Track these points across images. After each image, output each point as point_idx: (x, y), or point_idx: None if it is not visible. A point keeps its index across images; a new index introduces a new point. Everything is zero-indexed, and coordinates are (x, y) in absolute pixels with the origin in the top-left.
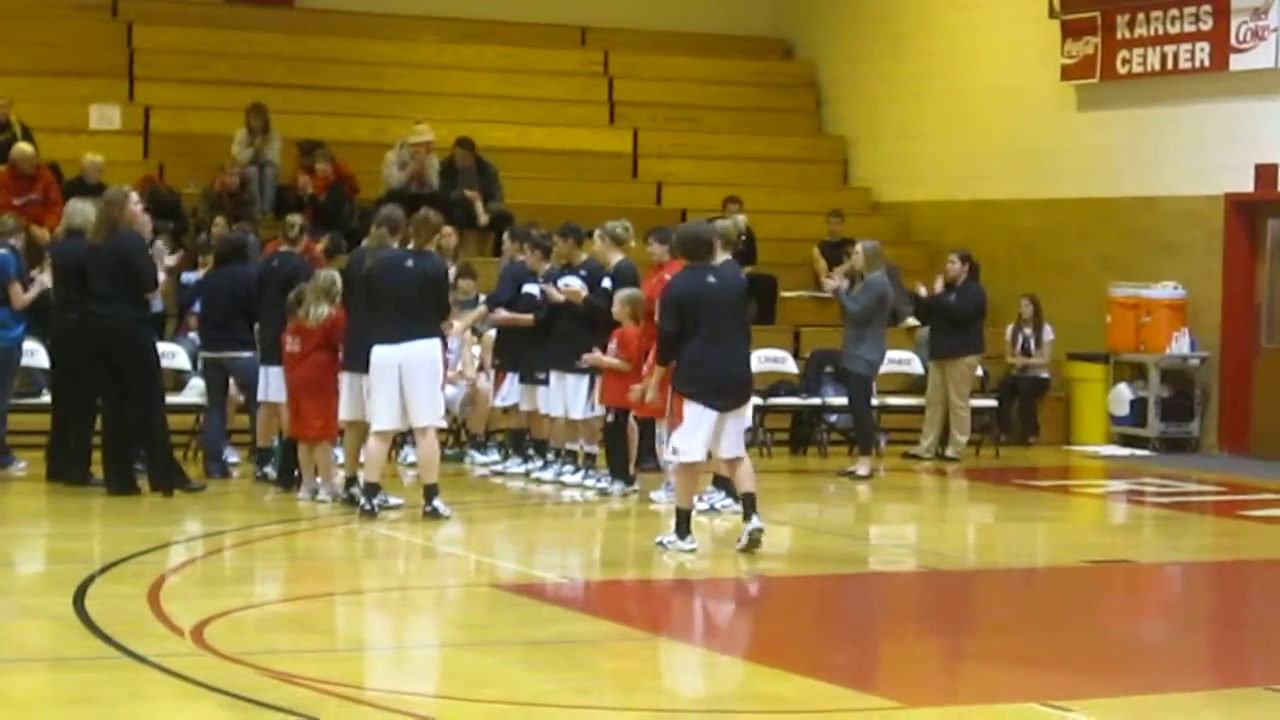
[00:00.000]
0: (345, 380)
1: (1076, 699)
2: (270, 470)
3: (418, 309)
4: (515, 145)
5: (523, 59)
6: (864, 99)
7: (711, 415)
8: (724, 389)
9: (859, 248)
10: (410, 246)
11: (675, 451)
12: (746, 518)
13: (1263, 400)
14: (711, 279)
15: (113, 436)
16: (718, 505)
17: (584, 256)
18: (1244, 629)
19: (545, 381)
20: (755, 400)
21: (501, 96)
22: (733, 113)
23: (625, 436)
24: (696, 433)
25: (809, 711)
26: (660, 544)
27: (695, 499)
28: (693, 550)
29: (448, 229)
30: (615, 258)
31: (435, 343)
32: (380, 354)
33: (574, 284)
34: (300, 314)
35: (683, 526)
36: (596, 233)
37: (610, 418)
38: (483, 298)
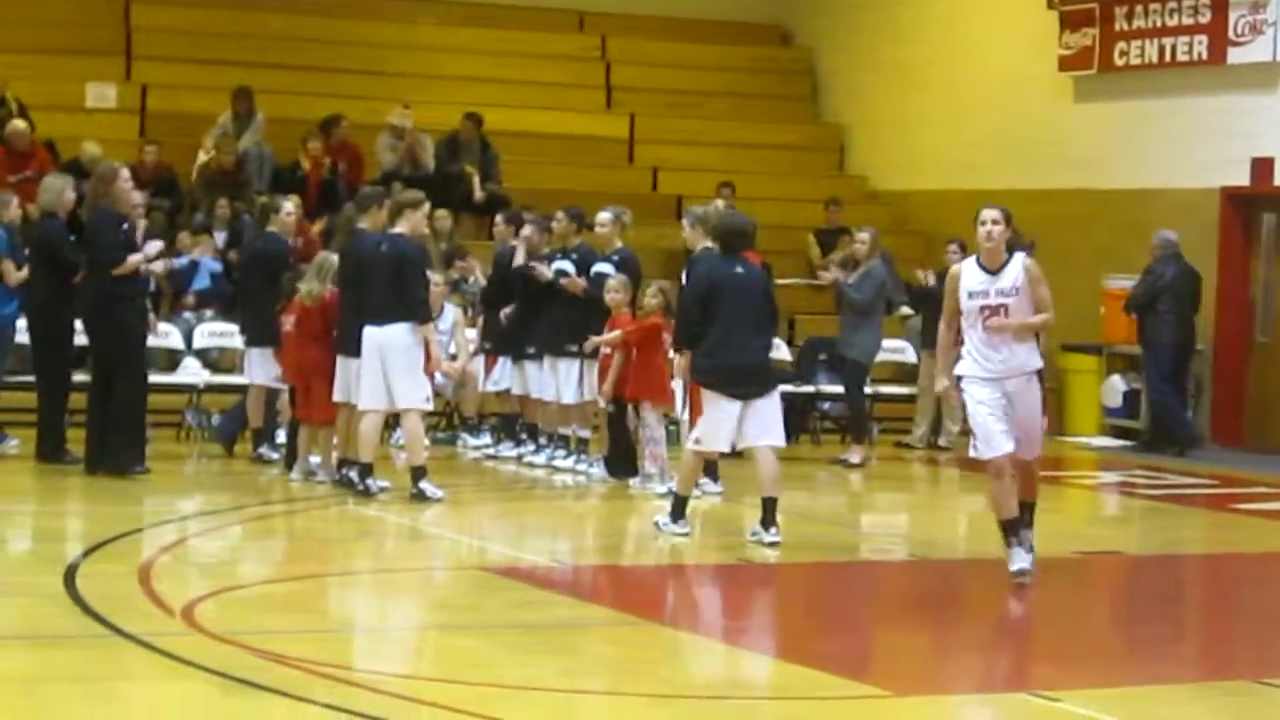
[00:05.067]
0: (338, 363)
1: (1065, 689)
2: (267, 451)
3: (393, 292)
4: (512, 129)
5: (521, 43)
6: (861, 87)
7: (732, 405)
8: (739, 377)
9: (863, 235)
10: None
11: (697, 441)
12: (766, 525)
13: (1256, 394)
14: (739, 269)
15: (89, 414)
16: (702, 488)
17: (577, 241)
18: (1234, 622)
19: (536, 358)
20: None
21: (499, 80)
22: (730, 99)
23: (625, 428)
24: (717, 423)
25: (799, 699)
26: (656, 524)
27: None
28: (686, 534)
29: (442, 211)
30: (618, 244)
31: (412, 325)
32: (367, 335)
33: (567, 268)
34: (300, 295)
35: (679, 510)
36: (607, 216)
37: (611, 409)
38: (473, 280)
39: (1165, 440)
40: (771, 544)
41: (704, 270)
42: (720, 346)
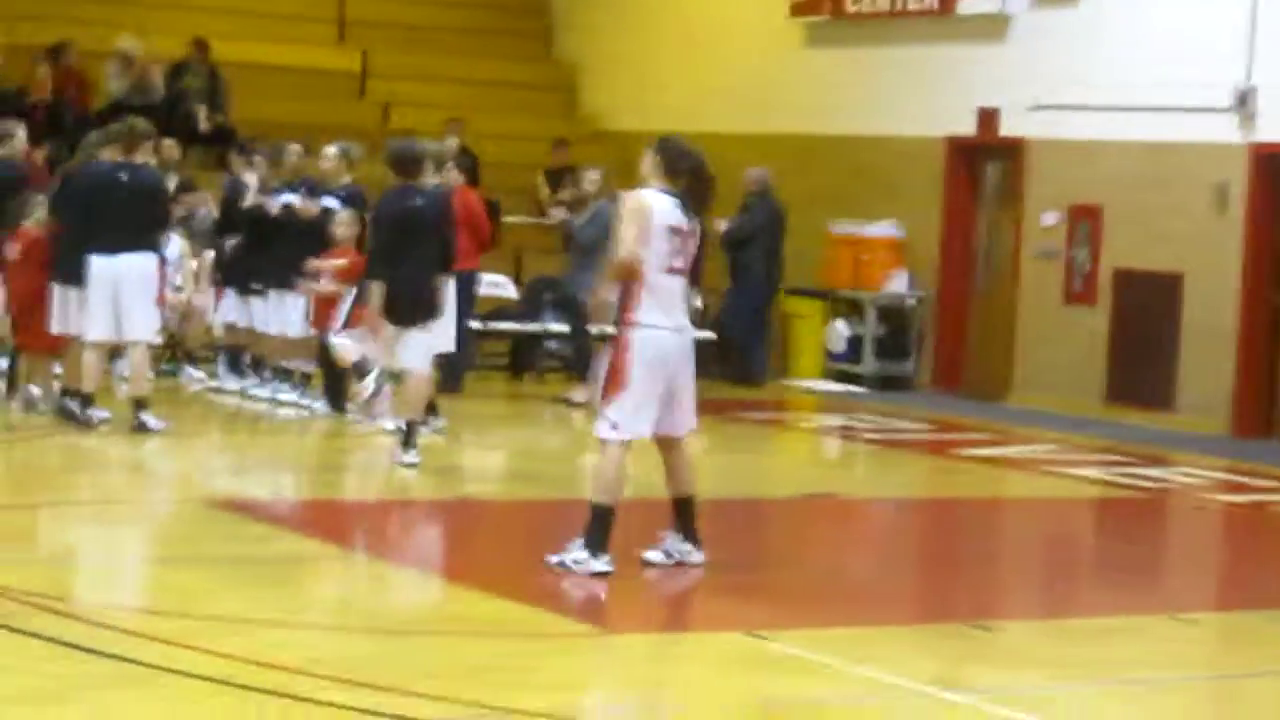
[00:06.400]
0: (56, 293)
1: (780, 629)
2: None
3: (133, 221)
4: (242, 59)
5: None
6: (594, 26)
7: (389, 329)
8: (408, 309)
9: (592, 174)
10: (123, 158)
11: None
12: (405, 447)
13: (976, 341)
14: (418, 201)
15: None
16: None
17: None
18: (949, 565)
19: (261, 293)
20: (475, 325)
21: (229, 10)
22: (463, 35)
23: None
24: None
25: (512, 635)
26: (396, 461)
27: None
28: (415, 464)
29: (168, 141)
30: (345, 179)
31: (151, 256)
32: (97, 265)
33: (294, 201)
34: (31, 222)
35: (410, 438)
36: (334, 150)
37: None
38: (204, 212)
39: (737, 373)
40: (410, 465)
41: (383, 204)
42: (395, 279)
